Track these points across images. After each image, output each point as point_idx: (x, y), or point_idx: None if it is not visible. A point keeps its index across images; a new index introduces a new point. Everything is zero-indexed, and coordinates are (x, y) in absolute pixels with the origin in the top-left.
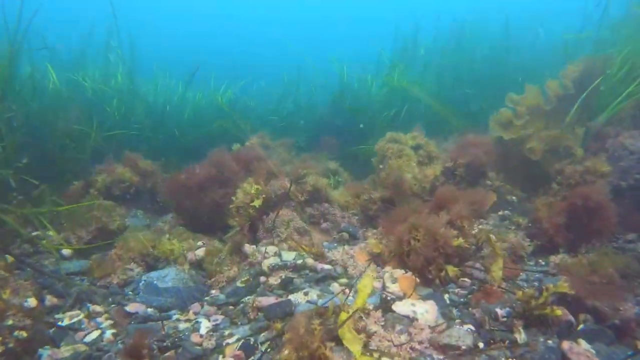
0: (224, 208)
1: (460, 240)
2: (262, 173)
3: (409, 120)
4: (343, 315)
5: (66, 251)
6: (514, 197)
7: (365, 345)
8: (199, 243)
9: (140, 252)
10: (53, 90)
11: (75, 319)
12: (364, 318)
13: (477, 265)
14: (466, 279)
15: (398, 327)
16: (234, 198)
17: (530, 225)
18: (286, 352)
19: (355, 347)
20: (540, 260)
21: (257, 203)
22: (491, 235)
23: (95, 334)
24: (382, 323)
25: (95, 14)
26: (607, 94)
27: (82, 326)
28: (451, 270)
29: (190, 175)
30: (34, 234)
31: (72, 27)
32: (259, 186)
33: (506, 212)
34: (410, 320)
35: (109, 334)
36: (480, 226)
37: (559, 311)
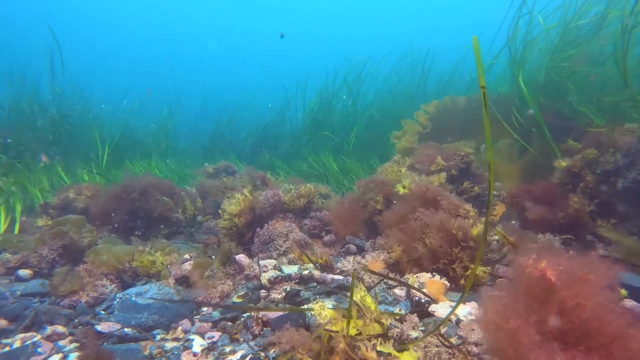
0: None
1: (479, 227)
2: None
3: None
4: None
5: (24, 272)
6: None
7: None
8: (186, 256)
9: (115, 267)
10: None
11: (28, 342)
12: (396, 325)
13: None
14: (503, 280)
15: (443, 330)
16: (222, 207)
17: None
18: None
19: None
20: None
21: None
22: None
23: (55, 359)
24: (422, 328)
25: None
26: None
27: (38, 350)
28: (480, 270)
29: None
30: None
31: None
32: (248, 194)
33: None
34: (455, 323)
35: (73, 357)
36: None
37: (624, 291)
